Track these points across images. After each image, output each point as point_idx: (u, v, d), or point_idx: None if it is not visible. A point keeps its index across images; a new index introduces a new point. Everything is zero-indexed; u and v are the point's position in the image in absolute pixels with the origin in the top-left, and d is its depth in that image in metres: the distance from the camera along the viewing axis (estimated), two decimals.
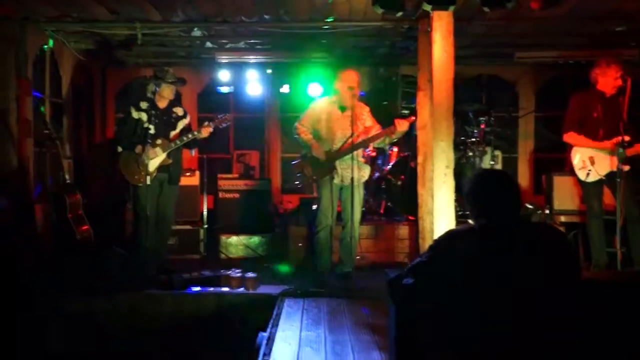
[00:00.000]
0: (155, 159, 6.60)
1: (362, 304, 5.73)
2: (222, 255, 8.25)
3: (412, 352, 3.07)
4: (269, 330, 4.93)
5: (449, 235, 3.02)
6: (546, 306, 2.68)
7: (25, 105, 7.42)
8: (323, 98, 6.74)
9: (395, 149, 8.75)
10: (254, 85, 9.88)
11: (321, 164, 6.43)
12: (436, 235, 6.20)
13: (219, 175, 8.93)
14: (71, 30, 8.01)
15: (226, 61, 9.24)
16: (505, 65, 10.22)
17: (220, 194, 8.73)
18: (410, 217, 8.16)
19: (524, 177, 10.47)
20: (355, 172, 6.30)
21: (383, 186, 8.82)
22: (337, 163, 6.42)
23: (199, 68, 10.18)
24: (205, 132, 6.66)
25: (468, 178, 3.17)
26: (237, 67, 9.74)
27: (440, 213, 6.20)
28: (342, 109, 6.52)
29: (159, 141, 6.61)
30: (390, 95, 10.44)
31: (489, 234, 2.84)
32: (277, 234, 8.28)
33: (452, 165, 6.26)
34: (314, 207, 8.04)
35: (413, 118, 6.58)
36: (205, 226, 8.45)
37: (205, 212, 8.48)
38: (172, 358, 5.99)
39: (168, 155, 6.66)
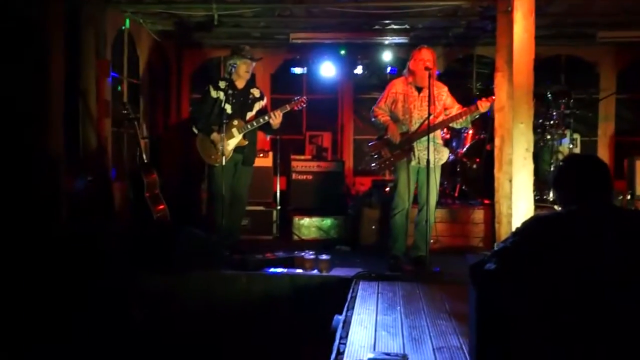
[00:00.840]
0: (232, 140, 6.62)
1: (437, 288, 5.65)
2: (295, 237, 8.27)
3: (494, 338, 2.98)
4: (344, 313, 4.89)
5: (535, 220, 2.91)
6: None
7: (103, 86, 7.56)
8: (399, 79, 6.57)
9: (471, 132, 8.59)
10: (328, 67, 9.83)
11: (399, 145, 6.33)
12: (514, 220, 6.11)
13: (292, 157, 8.93)
14: (149, 12, 8.15)
15: (300, 42, 9.23)
16: (586, 46, 9.95)
17: (294, 175, 8.73)
18: (486, 201, 8.03)
19: None
20: (432, 154, 6.16)
21: (458, 169, 8.68)
22: (415, 144, 6.31)
23: (273, 49, 10.20)
24: (275, 121, 6.63)
25: (558, 163, 3.07)
26: (311, 48, 9.73)
27: (518, 197, 6.09)
28: (419, 89, 6.40)
29: (235, 122, 6.62)
30: (465, 76, 10.33)
31: (579, 220, 2.72)
32: (349, 216, 8.23)
33: (531, 149, 6.14)
34: (387, 189, 7.99)
35: (494, 98, 6.42)
36: (278, 207, 8.49)
37: (278, 193, 8.52)
38: (246, 338, 6.03)
39: (244, 137, 6.68)
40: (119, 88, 8.16)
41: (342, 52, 9.81)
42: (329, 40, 9.30)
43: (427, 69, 6.17)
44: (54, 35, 6.62)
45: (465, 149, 8.58)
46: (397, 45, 9.75)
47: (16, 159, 6.33)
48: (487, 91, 8.40)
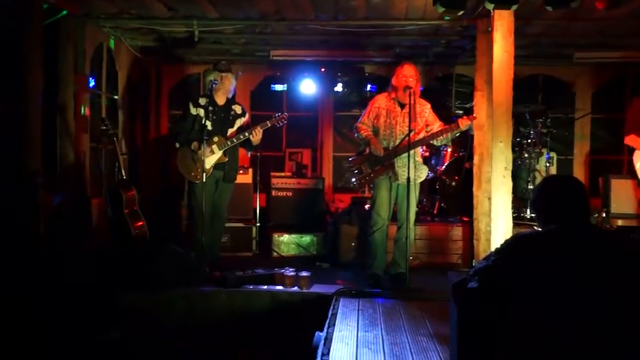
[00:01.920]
0: (212, 157, 6.60)
1: (417, 305, 5.66)
2: (274, 254, 8.24)
3: (475, 355, 2.99)
4: (325, 330, 4.88)
5: (516, 239, 2.94)
6: (620, 317, 2.60)
7: (81, 101, 7.50)
8: (383, 94, 6.59)
9: (450, 149, 8.65)
10: (308, 84, 9.83)
11: (379, 161, 6.34)
12: (492, 237, 6.16)
13: (272, 174, 8.91)
14: (129, 27, 8.13)
15: (281, 59, 9.25)
16: (563, 66, 10.09)
17: (273, 192, 8.70)
18: (464, 218, 8.09)
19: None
20: (411, 171, 6.19)
21: (437, 186, 8.72)
22: (395, 161, 6.33)
23: (253, 65, 10.21)
24: (256, 137, 6.62)
25: (535, 181, 3.12)
26: (291, 65, 9.74)
27: (497, 215, 6.14)
28: (402, 105, 6.42)
29: (215, 139, 6.59)
30: (444, 94, 10.41)
31: (558, 240, 2.77)
32: (328, 233, 8.22)
33: (510, 167, 6.21)
34: (367, 206, 8.00)
35: (475, 116, 6.48)
36: (258, 224, 8.47)
37: (257, 210, 8.50)
38: (227, 356, 5.98)
39: (224, 153, 6.65)
40: (103, 103, 8.12)
41: (323, 69, 9.83)
42: (309, 58, 9.32)
43: (406, 88, 6.21)
44: (33, 50, 6.52)
45: (444, 167, 8.63)
46: (378, 63, 9.81)
47: None
48: (467, 110, 8.47)
